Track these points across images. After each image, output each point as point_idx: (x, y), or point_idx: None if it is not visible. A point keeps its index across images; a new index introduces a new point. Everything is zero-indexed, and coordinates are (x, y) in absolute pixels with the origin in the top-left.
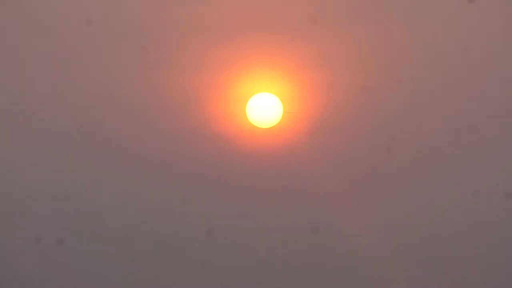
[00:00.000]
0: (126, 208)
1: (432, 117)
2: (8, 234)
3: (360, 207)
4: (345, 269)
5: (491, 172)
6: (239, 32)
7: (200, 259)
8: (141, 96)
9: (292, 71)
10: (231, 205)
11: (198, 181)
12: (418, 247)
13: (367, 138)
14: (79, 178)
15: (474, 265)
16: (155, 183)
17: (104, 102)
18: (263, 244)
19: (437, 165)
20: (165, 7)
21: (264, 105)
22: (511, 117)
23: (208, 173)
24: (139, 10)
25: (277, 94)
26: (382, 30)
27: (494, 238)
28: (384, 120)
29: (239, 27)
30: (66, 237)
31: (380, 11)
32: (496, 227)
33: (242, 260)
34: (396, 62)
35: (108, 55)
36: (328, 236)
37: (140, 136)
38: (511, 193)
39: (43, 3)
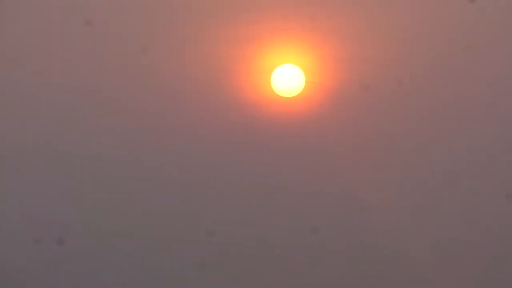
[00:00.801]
0: (151, 176)
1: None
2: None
3: (372, 173)
4: (358, 229)
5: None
6: (264, 7)
7: (221, 219)
8: (171, 70)
9: (314, 44)
10: (257, 165)
11: (227, 146)
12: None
13: (380, 108)
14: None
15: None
16: (188, 151)
17: (134, 77)
18: (282, 201)
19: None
20: None
21: (287, 76)
22: None
23: (236, 138)
24: None
25: (299, 65)
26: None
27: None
28: (396, 97)
29: (263, 3)
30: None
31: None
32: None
33: (267, 215)
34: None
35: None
36: (342, 198)
37: (171, 107)
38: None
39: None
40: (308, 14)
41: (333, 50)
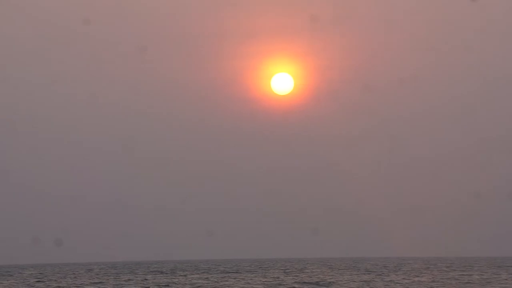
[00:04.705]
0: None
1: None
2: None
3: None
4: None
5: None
6: (266, 34)
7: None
8: (191, 77)
9: (300, 57)
10: (260, 144)
11: (237, 131)
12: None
13: (352, 102)
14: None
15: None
16: (208, 132)
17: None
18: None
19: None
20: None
21: (282, 80)
22: None
23: (246, 124)
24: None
25: (290, 73)
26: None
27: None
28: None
29: (265, 31)
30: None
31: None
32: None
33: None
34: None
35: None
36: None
37: (192, 104)
38: None
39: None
40: (296, 35)
41: (312, 61)
